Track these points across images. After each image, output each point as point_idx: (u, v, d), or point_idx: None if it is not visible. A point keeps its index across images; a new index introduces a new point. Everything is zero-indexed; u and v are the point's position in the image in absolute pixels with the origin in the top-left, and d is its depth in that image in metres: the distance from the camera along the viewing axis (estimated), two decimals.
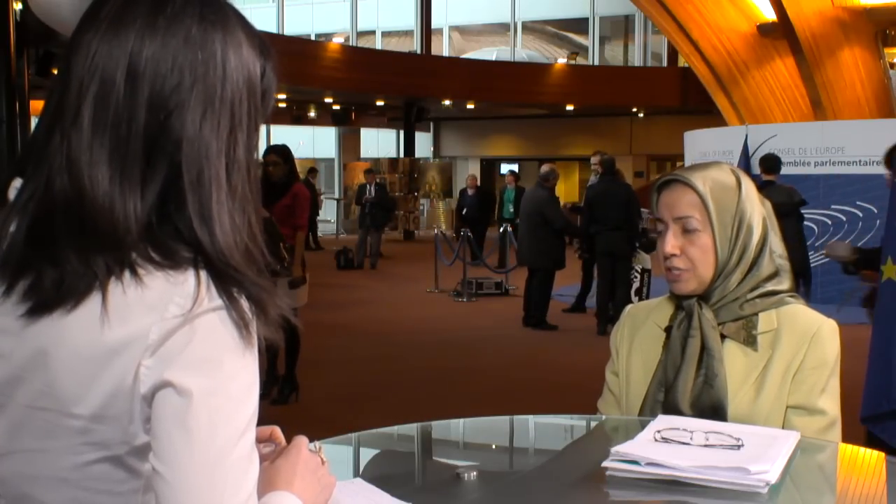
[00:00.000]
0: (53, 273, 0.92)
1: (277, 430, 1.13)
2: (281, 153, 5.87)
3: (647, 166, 26.92)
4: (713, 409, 1.67)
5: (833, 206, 11.02)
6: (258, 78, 1.00)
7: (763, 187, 8.06)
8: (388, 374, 7.24)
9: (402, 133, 24.28)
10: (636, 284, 9.23)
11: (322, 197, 22.26)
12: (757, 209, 1.73)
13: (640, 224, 9.24)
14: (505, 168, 30.09)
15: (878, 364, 3.84)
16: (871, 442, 3.60)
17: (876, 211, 10.10)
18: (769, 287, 1.73)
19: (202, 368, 0.89)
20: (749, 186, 1.74)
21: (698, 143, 13.76)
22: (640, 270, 9.20)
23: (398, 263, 15.59)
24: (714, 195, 1.69)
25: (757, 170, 10.99)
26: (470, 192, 16.67)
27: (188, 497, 0.88)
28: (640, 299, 8.62)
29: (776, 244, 1.75)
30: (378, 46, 28.34)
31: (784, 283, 1.74)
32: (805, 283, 8.26)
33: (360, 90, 21.11)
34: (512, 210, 15.91)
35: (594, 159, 9.85)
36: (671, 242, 1.71)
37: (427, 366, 7.55)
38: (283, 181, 5.79)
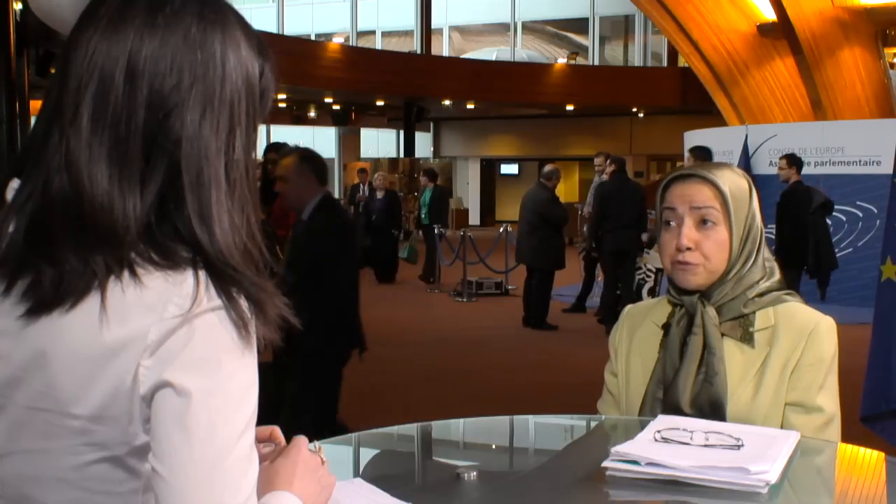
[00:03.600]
0: (52, 272, 0.91)
1: (277, 430, 1.13)
2: (280, 151, 5.88)
3: (647, 166, 26.93)
4: (712, 406, 1.67)
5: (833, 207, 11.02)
6: (257, 78, 1.00)
7: (798, 187, 8.15)
8: (387, 374, 7.23)
9: (402, 133, 24.27)
10: (649, 283, 9.17)
11: None
12: (760, 215, 1.75)
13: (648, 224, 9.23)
14: (505, 168, 30.11)
15: (877, 364, 3.85)
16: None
17: (876, 211, 10.10)
18: (766, 285, 1.74)
19: (201, 368, 0.89)
20: (755, 193, 1.77)
21: (698, 143, 13.70)
22: (654, 270, 9.13)
23: (398, 263, 15.54)
24: (733, 192, 1.71)
25: (757, 170, 11.02)
26: (379, 194, 13.03)
27: (187, 497, 0.88)
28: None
29: (766, 251, 1.78)
30: (378, 46, 28.34)
31: (775, 277, 1.76)
32: (821, 282, 8.32)
33: (360, 90, 21.11)
34: (425, 214, 13.13)
35: (598, 160, 9.89)
36: (688, 235, 1.70)
37: (427, 366, 7.55)
38: None
